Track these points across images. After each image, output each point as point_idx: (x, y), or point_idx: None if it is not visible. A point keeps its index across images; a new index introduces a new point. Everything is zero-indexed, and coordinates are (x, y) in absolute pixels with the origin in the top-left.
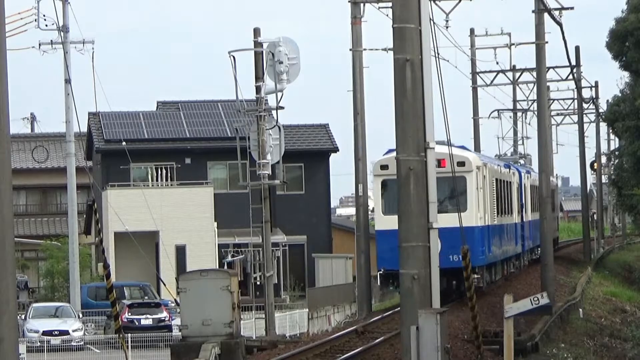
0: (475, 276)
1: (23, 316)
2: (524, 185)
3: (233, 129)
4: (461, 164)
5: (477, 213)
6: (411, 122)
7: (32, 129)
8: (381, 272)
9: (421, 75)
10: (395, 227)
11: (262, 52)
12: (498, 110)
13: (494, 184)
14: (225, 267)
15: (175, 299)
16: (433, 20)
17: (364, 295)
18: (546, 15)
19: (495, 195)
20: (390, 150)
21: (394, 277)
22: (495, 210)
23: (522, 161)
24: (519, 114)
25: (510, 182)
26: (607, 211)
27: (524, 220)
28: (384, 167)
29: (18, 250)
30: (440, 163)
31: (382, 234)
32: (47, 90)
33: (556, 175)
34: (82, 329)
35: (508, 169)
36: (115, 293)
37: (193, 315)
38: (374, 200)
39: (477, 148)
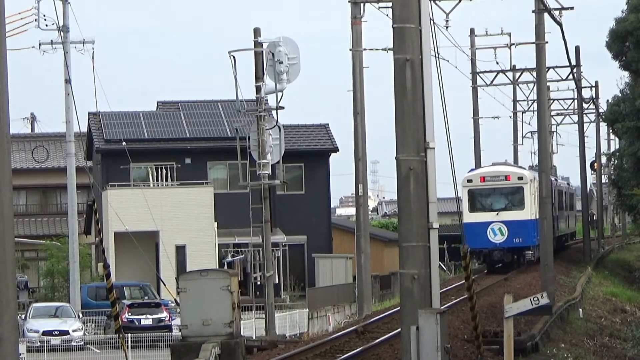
0: (530, 252)
1: (23, 316)
2: (554, 190)
3: (233, 129)
4: (520, 178)
5: (530, 210)
6: (411, 122)
7: (32, 129)
8: (468, 249)
9: (421, 75)
10: (478, 220)
11: (262, 52)
12: (531, 132)
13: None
14: (225, 267)
15: (175, 299)
16: (433, 20)
17: (363, 295)
18: (546, 15)
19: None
20: (472, 169)
21: (477, 253)
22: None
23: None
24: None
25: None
26: (607, 211)
27: (554, 214)
28: (469, 181)
29: (18, 250)
30: (506, 178)
31: (469, 224)
32: (47, 90)
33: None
34: (82, 329)
35: None
36: (115, 293)
37: (193, 315)
38: (462, 203)
39: (477, 148)
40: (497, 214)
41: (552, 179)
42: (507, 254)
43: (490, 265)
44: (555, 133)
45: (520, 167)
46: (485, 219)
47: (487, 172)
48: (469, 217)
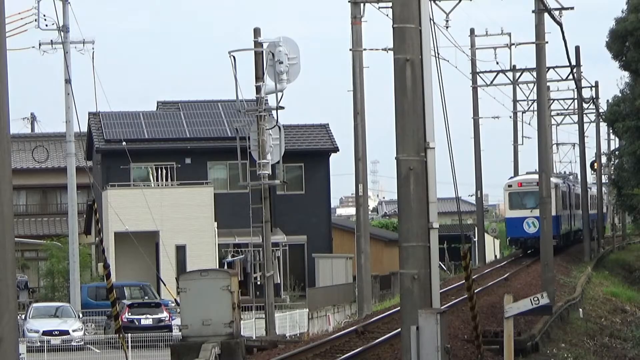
0: (554, 240)
1: (23, 316)
2: (572, 193)
3: (233, 129)
4: None
5: (555, 209)
6: (411, 122)
7: (32, 129)
8: (509, 238)
9: (421, 75)
10: (516, 215)
11: (262, 52)
12: (558, 144)
13: (561, 193)
14: (225, 267)
15: (175, 299)
16: (433, 20)
17: (363, 295)
18: (546, 15)
19: (562, 199)
20: (511, 177)
21: (515, 241)
22: (562, 207)
23: (571, 177)
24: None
25: (566, 192)
26: (607, 211)
27: (571, 213)
28: (509, 185)
29: (18, 250)
30: (536, 182)
31: (509, 219)
32: (47, 90)
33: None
34: (82, 329)
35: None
36: (115, 293)
37: (193, 315)
38: (505, 203)
39: (477, 148)
40: (531, 211)
41: (571, 184)
42: (538, 241)
43: (524, 250)
44: (575, 145)
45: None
46: (521, 215)
47: (523, 179)
48: (510, 213)
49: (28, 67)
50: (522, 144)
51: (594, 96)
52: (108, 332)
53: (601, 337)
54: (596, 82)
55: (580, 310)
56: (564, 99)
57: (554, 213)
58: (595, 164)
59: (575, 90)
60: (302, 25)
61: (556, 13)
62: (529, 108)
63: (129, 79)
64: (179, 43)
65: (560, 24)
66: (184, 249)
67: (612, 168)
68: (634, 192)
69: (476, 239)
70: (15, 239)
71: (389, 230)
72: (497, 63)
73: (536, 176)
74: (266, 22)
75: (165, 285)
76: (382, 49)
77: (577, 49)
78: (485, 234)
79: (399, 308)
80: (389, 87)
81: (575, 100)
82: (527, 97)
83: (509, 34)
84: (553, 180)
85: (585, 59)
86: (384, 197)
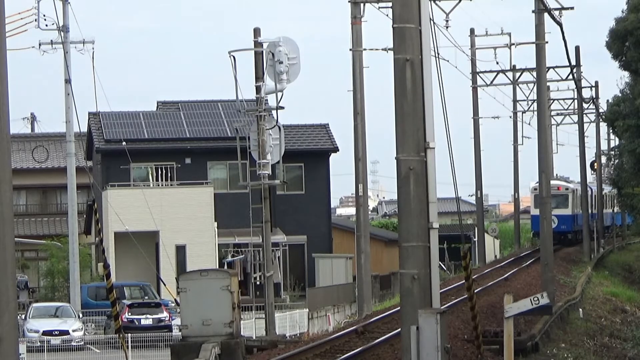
0: (570, 234)
1: (23, 316)
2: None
3: (233, 129)
4: (566, 189)
5: (571, 209)
6: (411, 122)
7: (32, 129)
8: (533, 232)
9: (421, 75)
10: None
11: (262, 52)
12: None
13: (577, 196)
14: (225, 267)
15: (175, 299)
16: (433, 20)
17: (363, 295)
18: (546, 15)
19: (576, 201)
20: (537, 182)
21: (538, 234)
22: (576, 208)
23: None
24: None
25: (580, 195)
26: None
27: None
28: (535, 188)
29: (18, 250)
30: (558, 188)
31: (534, 216)
32: (47, 90)
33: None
34: (82, 329)
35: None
36: (115, 293)
37: (193, 315)
38: (531, 203)
39: (477, 148)
40: (552, 210)
41: (589, 188)
42: (557, 235)
43: None
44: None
45: (567, 182)
46: None
47: None
48: (534, 212)
49: (28, 67)
50: (522, 144)
51: (594, 96)
52: (108, 332)
53: (601, 337)
54: (596, 82)
55: (580, 310)
56: (564, 99)
57: (570, 212)
58: (595, 164)
59: (575, 90)
60: (302, 25)
61: (556, 13)
62: (529, 108)
63: (129, 79)
64: (179, 43)
65: (560, 24)
66: (184, 249)
67: (612, 168)
68: (633, 192)
69: (476, 239)
70: (15, 239)
71: (389, 230)
72: (497, 63)
73: (558, 182)
74: (266, 22)
75: (165, 285)
76: (382, 49)
77: (577, 49)
78: (485, 234)
79: (399, 308)
80: (389, 87)
81: (575, 100)
82: (527, 97)
83: (509, 34)
84: (571, 186)
85: (585, 59)
86: (384, 197)
